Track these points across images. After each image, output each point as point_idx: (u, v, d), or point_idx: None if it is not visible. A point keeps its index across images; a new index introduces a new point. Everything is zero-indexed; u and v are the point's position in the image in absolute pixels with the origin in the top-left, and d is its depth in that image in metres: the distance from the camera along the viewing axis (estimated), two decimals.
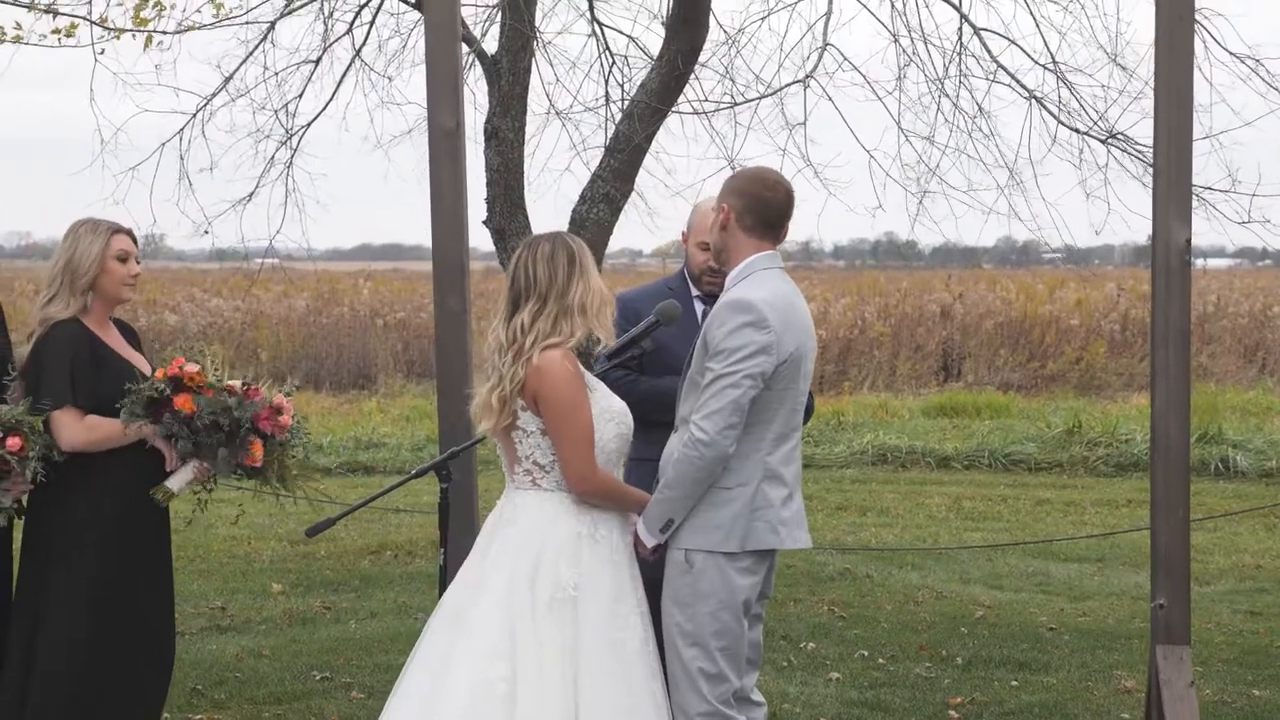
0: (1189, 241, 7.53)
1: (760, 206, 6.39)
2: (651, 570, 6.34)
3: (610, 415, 6.13)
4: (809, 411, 6.94)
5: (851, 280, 41.60)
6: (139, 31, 11.38)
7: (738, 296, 6.17)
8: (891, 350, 30.55)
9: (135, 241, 7.03)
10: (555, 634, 5.91)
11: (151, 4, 11.36)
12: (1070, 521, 16.08)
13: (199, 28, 12.00)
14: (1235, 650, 10.56)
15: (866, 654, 10.41)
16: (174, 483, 6.77)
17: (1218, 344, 31.07)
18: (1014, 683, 9.77)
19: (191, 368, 6.64)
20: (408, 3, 13.49)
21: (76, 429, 6.59)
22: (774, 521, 6.21)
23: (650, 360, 7.11)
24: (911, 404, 25.26)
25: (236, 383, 6.79)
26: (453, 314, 7.70)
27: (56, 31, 11.26)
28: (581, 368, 6.13)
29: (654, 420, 6.83)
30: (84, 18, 11.20)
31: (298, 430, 7.01)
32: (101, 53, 11.53)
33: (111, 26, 11.33)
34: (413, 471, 7.03)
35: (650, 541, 6.19)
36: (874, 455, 20.17)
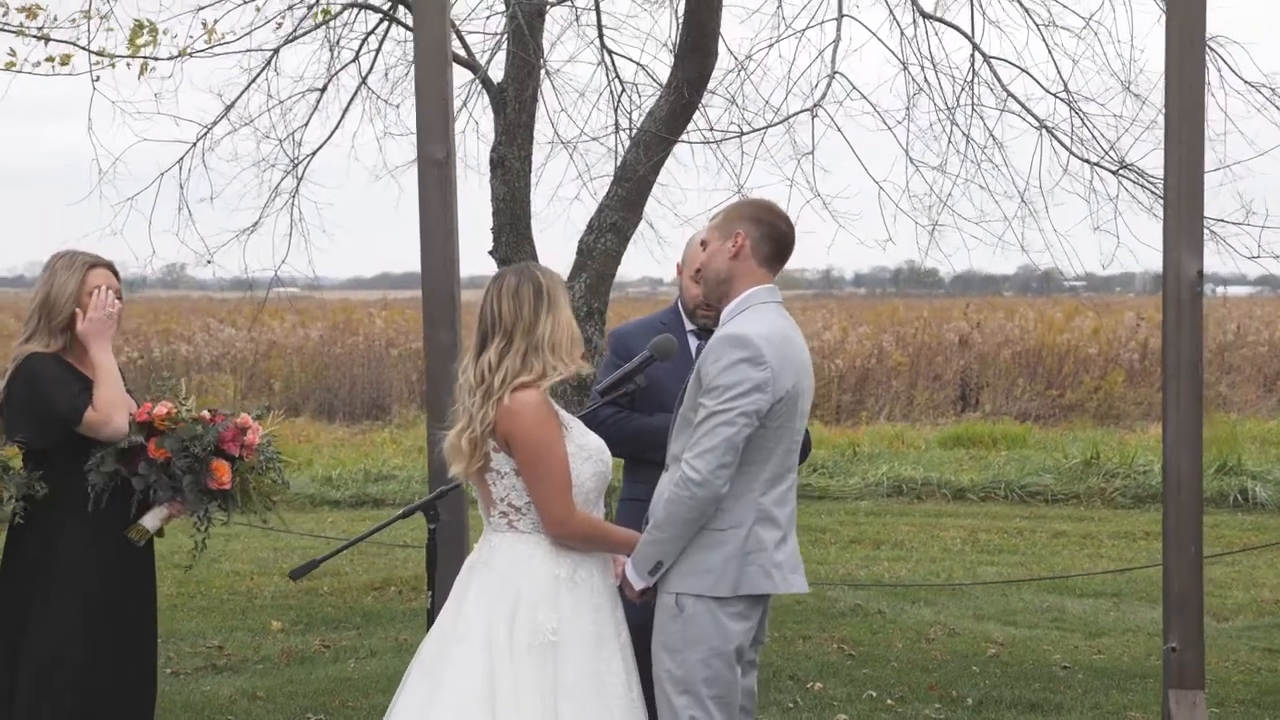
0: (1200, 273, 7.31)
1: (777, 236, 6.23)
2: (640, 614, 6.13)
3: (587, 454, 5.91)
4: (806, 450, 6.74)
5: (870, 308, 41.40)
6: (133, 59, 11.20)
7: (734, 331, 5.95)
8: (909, 380, 30.32)
9: (116, 274, 6.81)
10: (535, 679, 5.70)
11: (146, 30, 11.18)
12: (1087, 554, 15.83)
13: (193, 54, 11.84)
14: (1253, 690, 10.29)
15: (875, 694, 10.17)
16: (149, 521, 6.61)
17: (1237, 373, 30.81)
18: None
19: (161, 409, 6.46)
20: (410, 28, 13.30)
21: (111, 414, 6.44)
22: (767, 565, 5.99)
23: (643, 397, 6.90)
24: (928, 434, 25.02)
25: (207, 412, 6.63)
26: (443, 347, 7.52)
27: (51, 59, 11.11)
28: (555, 406, 5.92)
29: (645, 459, 6.63)
30: (73, 43, 11.04)
31: (267, 449, 6.82)
32: (97, 79, 11.39)
33: (106, 54, 11.16)
34: (399, 512, 6.85)
35: (639, 584, 5.98)
36: (889, 487, 19.93)
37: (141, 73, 11.59)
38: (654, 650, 6.01)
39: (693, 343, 7.11)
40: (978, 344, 31.84)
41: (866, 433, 25.11)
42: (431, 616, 6.29)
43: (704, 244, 6.34)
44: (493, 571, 5.91)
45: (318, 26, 13.11)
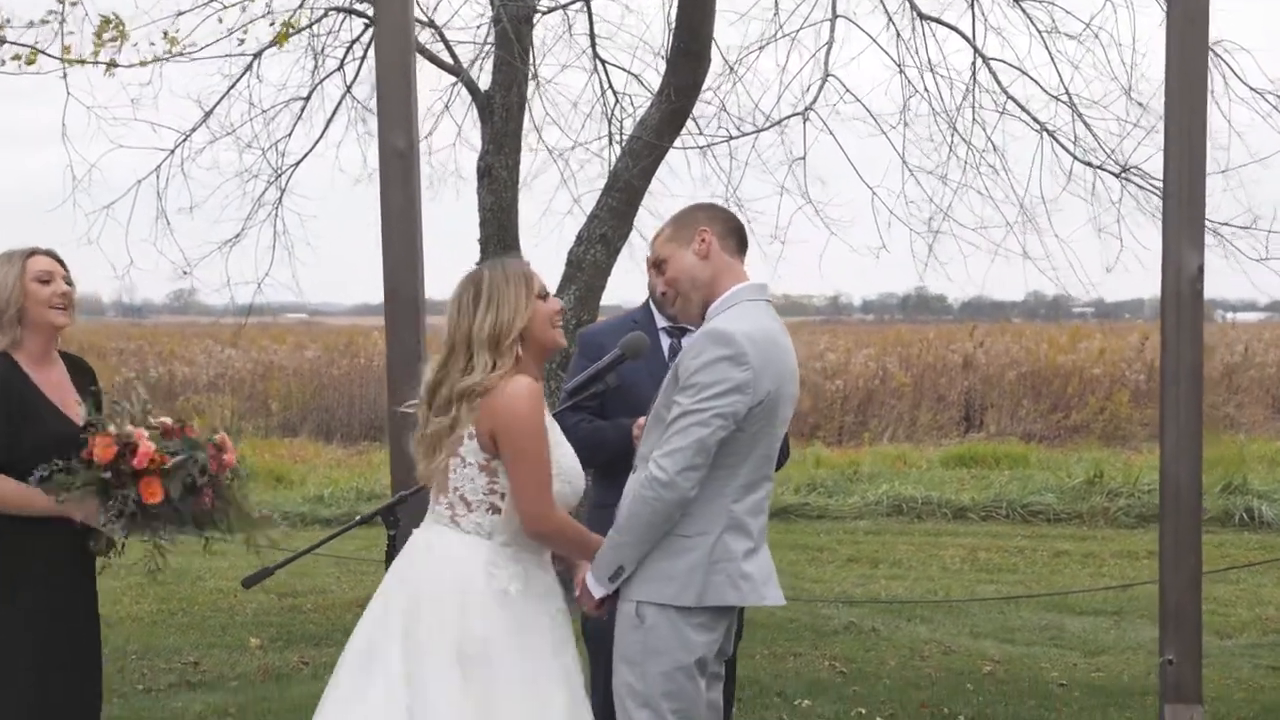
0: (1201, 269, 7.01)
1: (736, 225, 5.96)
2: (603, 625, 5.82)
3: (559, 471, 5.60)
4: (784, 457, 6.44)
5: (877, 333, 41.12)
6: (97, 62, 10.92)
7: (718, 328, 5.59)
8: (913, 401, 30.10)
9: (60, 261, 6.47)
10: (459, 687, 5.35)
11: (113, 26, 10.89)
12: (1088, 573, 15.50)
13: (167, 59, 11.56)
14: (1254, 708, 9.94)
15: (864, 712, 9.82)
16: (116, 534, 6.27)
17: (1245, 394, 30.57)
18: None
19: (145, 449, 6.08)
20: None
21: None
22: (735, 575, 5.61)
23: (614, 398, 6.58)
24: (930, 455, 24.74)
25: (167, 419, 6.29)
26: (407, 349, 7.19)
27: (16, 58, 10.83)
28: (547, 410, 5.62)
29: (619, 466, 6.31)
30: (33, 47, 10.75)
31: (240, 471, 6.50)
32: (64, 76, 11.09)
33: (70, 59, 10.87)
34: (358, 518, 6.56)
35: (599, 592, 5.64)
36: (889, 506, 19.62)
37: (108, 70, 11.29)
38: (614, 662, 5.69)
39: (665, 341, 6.78)
40: (982, 365, 31.62)
41: (869, 453, 24.87)
42: None
43: (659, 265, 5.99)
44: (426, 568, 5.58)
45: (277, 41, 12.81)
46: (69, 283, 6.43)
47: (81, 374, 6.55)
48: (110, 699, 10.20)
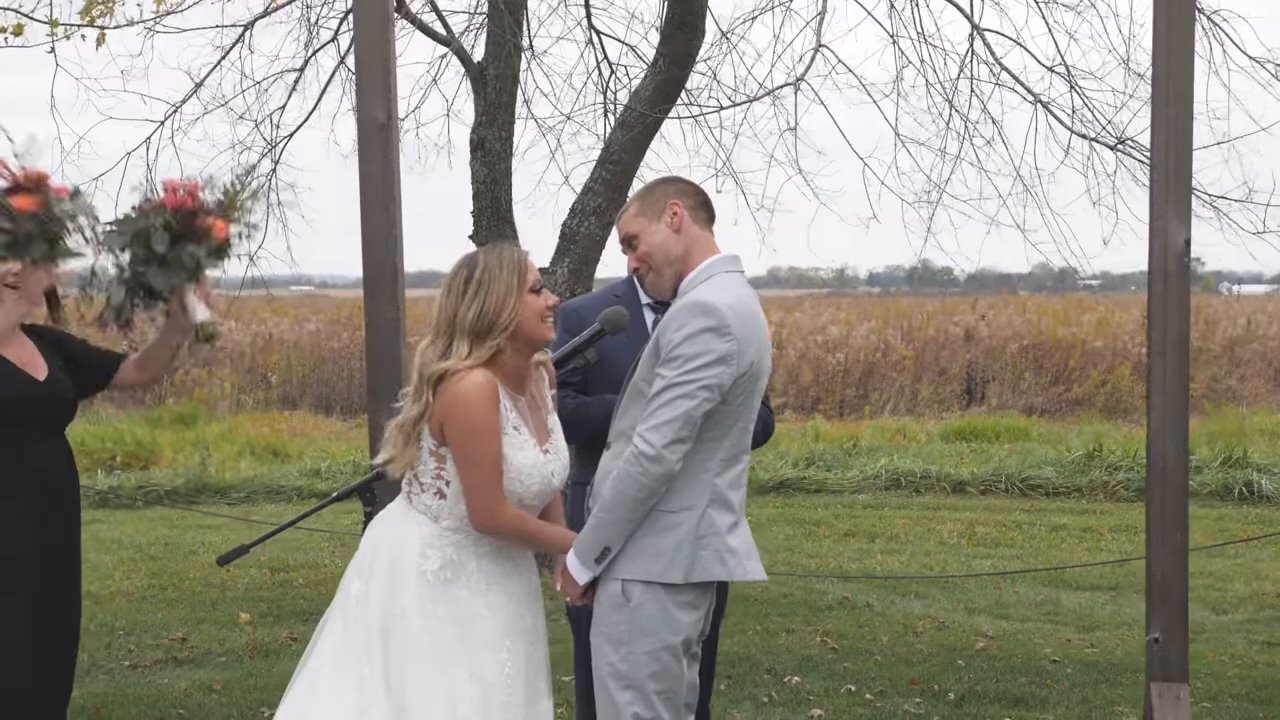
0: (1188, 242, 6.89)
1: (704, 197, 5.88)
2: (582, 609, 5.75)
3: (510, 468, 5.49)
4: (768, 433, 6.36)
5: (881, 306, 40.99)
6: (82, 26, 10.82)
7: (700, 299, 5.50)
8: (914, 374, 30.00)
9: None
10: (380, 658, 5.42)
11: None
12: (1086, 548, 15.41)
13: (157, 27, 11.46)
14: (1247, 685, 9.85)
15: (854, 688, 9.74)
16: (199, 314, 6.37)
17: (1247, 367, 30.46)
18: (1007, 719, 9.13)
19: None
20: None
21: None
22: (721, 550, 5.54)
23: (595, 374, 6.47)
24: (931, 428, 24.64)
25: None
26: (386, 322, 7.08)
27: (3, 30, 10.73)
28: (517, 413, 5.53)
29: (601, 443, 6.20)
30: (19, 11, 10.65)
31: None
32: (51, 51, 10.99)
33: (59, 22, 10.77)
34: (334, 495, 6.50)
35: (583, 576, 5.53)
36: (888, 480, 19.52)
37: (99, 44, 11.21)
38: (595, 642, 5.60)
39: (649, 317, 6.64)
40: (984, 338, 31.51)
41: (869, 426, 24.78)
42: None
43: (629, 241, 5.86)
44: (379, 540, 5.62)
45: (268, 11, 12.75)
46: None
47: (45, 337, 6.53)
48: (95, 675, 10.19)
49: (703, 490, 5.51)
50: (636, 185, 13.01)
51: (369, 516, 6.08)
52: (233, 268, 14.02)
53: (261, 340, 33.09)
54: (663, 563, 5.47)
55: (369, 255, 7.08)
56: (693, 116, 13.26)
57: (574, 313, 6.77)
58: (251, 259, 14.02)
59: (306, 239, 15.13)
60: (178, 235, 6.26)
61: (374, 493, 6.22)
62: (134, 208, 6.34)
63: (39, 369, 6.33)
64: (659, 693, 5.49)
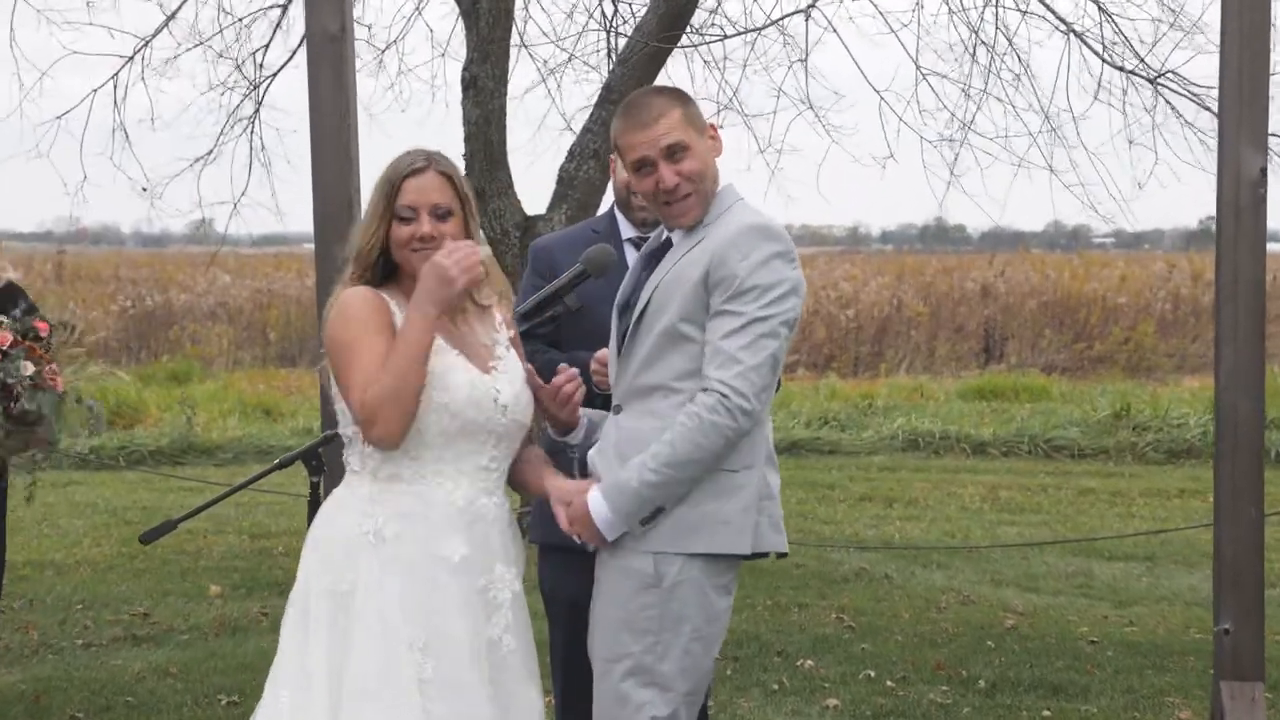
0: (1264, 171, 6.00)
1: None
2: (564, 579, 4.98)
3: (435, 380, 4.55)
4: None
5: (895, 262, 40.06)
6: None
7: (759, 222, 4.64)
8: (930, 331, 29.19)
9: None
10: (326, 632, 4.55)
11: None
12: (1116, 514, 14.53)
13: None
14: None
15: (874, 674, 8.82)
16: None
17: None
18: (1046, 712, 8.17)
19: None
20: None
21: None
22: (776, 517, 4.72)
23: (572, 323, 5.47)
24: (948, 387, 23.80)
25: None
26: (339, 264, 6.16)
27: None
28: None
29: None
30: None
31: None
32: None
33: None
34: (277, 461, 5.60)
35: (615, 532, 4.58)
36: (905, 441, 18.70)
37: None
38: (602, 631, 4.68)
39: (632, 254, 5.66)
40: (1002, 295, 30.66)
41: (884, 384, 23.97)
42: None
43: (673, 151, 4.79)
44: (325, 510, 4.79)
45: None
46: None
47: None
48: (44, 655, 9.37)
49: (760, 445, 4.68)
50: None
51: (315, 488, 5.25)
52: (216, 216, 13.34)
53: (264, 296, 32.29)
54: (729, 531, 4.59)
55: (319, 190, 6.16)
56: (693, 45, 12.33)
57: (542, 252, 5.84)
58: (235, 207, 13.34)
59: (295, 187, 14.33)
60: None
61: (322, 460, 5.34)
62: None
63: None
64: (687, 694, 4.62)
